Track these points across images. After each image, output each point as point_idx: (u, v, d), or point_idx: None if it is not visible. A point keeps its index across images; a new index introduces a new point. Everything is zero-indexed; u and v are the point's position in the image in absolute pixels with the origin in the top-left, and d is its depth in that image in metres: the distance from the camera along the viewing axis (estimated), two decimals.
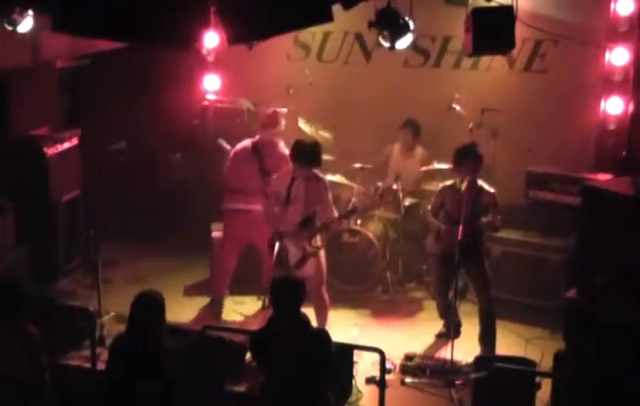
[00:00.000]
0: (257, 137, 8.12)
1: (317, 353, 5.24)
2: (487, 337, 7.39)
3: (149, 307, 5.25)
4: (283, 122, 8.24)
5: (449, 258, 7.19)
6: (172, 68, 9.49)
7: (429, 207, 7.75)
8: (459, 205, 7.19)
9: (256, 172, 7.94)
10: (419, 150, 9.06)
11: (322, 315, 7.39)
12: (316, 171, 7.32)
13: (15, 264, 7.84)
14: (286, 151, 7.73)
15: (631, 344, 5.81)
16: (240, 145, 8.19)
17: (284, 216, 7.20)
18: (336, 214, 7.43)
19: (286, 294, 5.31)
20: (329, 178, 8.17)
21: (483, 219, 7.24)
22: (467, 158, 7.32)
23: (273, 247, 7.15)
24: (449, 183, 7.58)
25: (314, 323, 6.06)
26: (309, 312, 5.72)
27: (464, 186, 7.25)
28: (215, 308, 8.17)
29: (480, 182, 7.36)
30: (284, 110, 8.45)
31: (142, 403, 5.22)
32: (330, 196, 7.37)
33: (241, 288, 8.43)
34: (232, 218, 8.07)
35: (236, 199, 7.98)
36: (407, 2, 6.36)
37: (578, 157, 8.65)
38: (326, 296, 7.48)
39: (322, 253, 7.40)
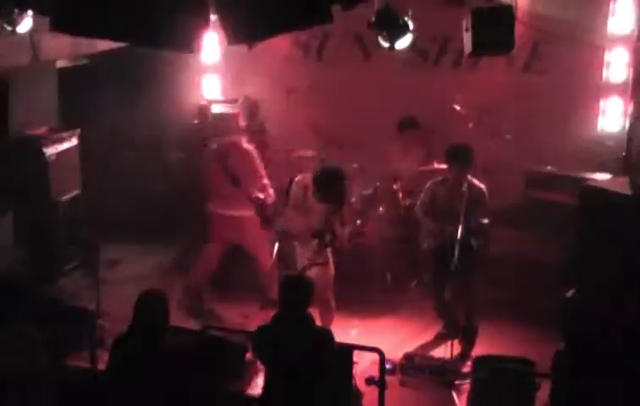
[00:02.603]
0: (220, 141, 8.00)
1: (319, 352, 5.25)
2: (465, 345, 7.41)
3: (154, 306, 5.25)
4: (242, 122, 8.11)
5: (443, 255, 7.19)
6: (171, 69, 9.49)
7: (419, 203, 7.74)
8: (451, 201, 7.20)
9: (223, 176, 7.81)
10: (418, 150, 9.06)
11: (326, 319, 7.35)
12: None
13: (15, 264, 7.84)
14: (250, 147, 7.80)
15: (631, 344, 5.82)
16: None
17: (294, 220, 7.15)
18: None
19: (296, 294, 5.32)
20: None
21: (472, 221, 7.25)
22: (459, 156, 7.34)
23: (273, 246, 7.15)
24: (439, 179, 7.60)
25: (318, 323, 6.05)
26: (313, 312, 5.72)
27: (457, 183, 7.26)
28: (192, 297, 8.18)
29: (470, 177, 7.38)
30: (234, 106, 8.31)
31: (144, 403, 5.22)
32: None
33: (241, 288, 8.43)
34: (216, 222, 8.07)
35: (219, 203, 7.97)
36: (407, 2, 6.36)
37: (578, 157, 8.65)
38: (332, 302, 7.42)
39: (331, 263, 7.34)
